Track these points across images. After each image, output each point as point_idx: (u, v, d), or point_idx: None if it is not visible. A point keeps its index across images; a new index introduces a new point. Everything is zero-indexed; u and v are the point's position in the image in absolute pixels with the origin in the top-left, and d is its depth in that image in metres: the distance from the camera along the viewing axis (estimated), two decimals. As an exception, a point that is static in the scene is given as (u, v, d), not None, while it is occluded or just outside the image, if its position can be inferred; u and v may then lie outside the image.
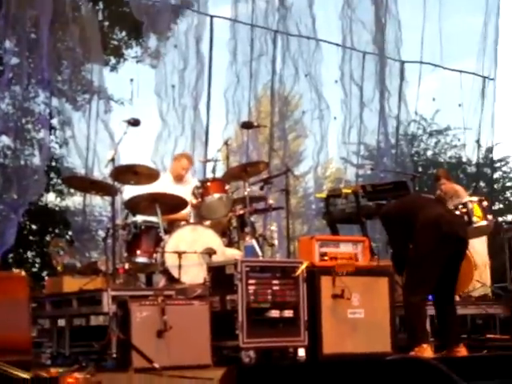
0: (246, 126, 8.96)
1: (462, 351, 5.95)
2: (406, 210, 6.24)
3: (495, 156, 16.98)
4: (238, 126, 11.11)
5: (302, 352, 5.89)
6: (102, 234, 10.46)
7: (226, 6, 12.45)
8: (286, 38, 12.48)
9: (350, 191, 8.21)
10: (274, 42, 12.45)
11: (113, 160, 6.69)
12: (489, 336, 8.09)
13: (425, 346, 5.78)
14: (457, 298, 7.69)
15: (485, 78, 14.14)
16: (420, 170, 16.15)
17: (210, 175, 7.80)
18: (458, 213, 7.87)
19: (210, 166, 8.00)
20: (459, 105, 14.03)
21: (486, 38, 14.03)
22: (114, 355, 5.45)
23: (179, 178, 8.00)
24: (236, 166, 8.29)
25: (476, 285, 8.18)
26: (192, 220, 7.31)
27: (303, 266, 5.93)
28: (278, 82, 12.66)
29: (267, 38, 12.36)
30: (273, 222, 10.16)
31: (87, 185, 7.37)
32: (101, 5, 13.86)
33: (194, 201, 7.27)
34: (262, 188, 7.79)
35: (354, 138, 13.41)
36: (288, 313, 5.79)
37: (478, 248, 8.85)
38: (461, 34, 14.12)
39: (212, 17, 12.02)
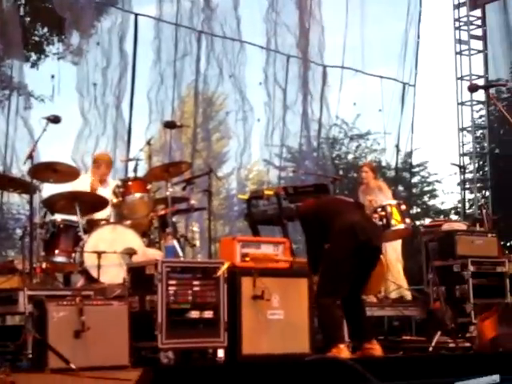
0: (169, 125, 8.91)
1: (375, 347, 6.03)
2: (324, 212, 6.30)
3: (414, 161, 17.35)
4: (161, 125, 11.05)
5: (221, 353, 5.89)
6: (19, 232, 10.24)
7: (151, 4, 12.39)
8: (210, 38, 12.48)
9: (271, 193, 8.24)
10: (199, 43, 12.43)
11: (31, 157, 6.56)
12: (405, 337, 8.25)
13: (341, 346, 5.83)
14: (374, 300, 7.84)
15: (405, 84, 14.42)
16: (341, 173, 16.34)
17: (131, 174, 7.74)
18: (376, 216, 8.02)
19: (131, 165, 7.94)
20: (379, 110, 14.28)
21: (406, 44, 14.32)
22: (30, 355, 5.35)
23: (99, 181, 7.90)
24: (158, 165, 8.24)
25: (392, 286, 8.33)
26: (112, 219, 7.24)
27: (224, 267, 5.93)
28: (202, 83, 12.65)
29: (192, 38, 12.34)
30: (195, 222, 10.13)
31: (5, 182, 7.22)
32: (22, 0, 13.58)
33: (115, 200, 7.19)
34: (184, 188, 7.77)
35: (277, 141, 13.51)
36: (208, 313, 5.78)
37: (393, 250, 9.03)
38: (382, 41, 14.34)
39: (136, 15, 11.93)
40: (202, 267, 5.90)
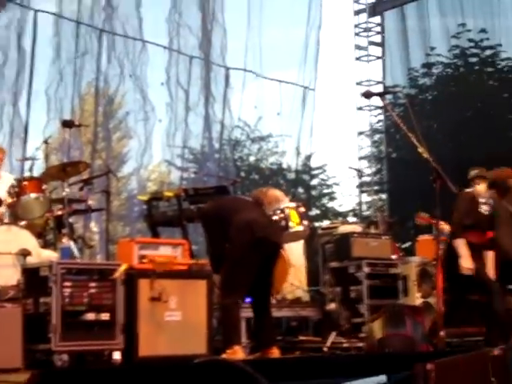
0: (67, 124, 8.74)
1: (275, 353, 6.12)
2: (223, 211, 6.32)
3: (313, 164, 17.63)
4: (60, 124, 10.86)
5: (117, 355, 5.85)
6: None
7: (51, 1, 12.16)
8: (111, 37, 12.35)
9: (172, 194, 8.23)
10: (100, 41, 12.28)
11: None
12: (302, 338, 8.37)
13: (236, 347, 5.85)
14: (272, 301, 7.93)
15: (305, 88, 14.63)
16: (243, 175, 16.45)
17: (27, 174, 7.59)
18: (276, 218, 8.11)
19: (28, 164, 7.79)
20: (278, 113, 14.46)
21: (307, 49, 14.54)
22: None
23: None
24: (55, 165, 8.09)
25: (291, 287, 8.44)
26: (7, 220, 7.08)
27: (121, 269, 5.90)
28: (102, 82, 12.50)
29: (92, 37, 12.18)
30: (95, 223, 10.01)
31: None
32: None
33: (10, 200, 7.04)
34: (81, 188, 7.67)
35: (179, 142, 13.48)
36: (104, 316, 5.75)
37: (295, 251, 9.15)
38: (283, 45, 14.55)
39: (36, 11, 11.68)
40: (99, 269, 5.86)
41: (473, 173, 7.22)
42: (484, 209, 6.99)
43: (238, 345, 5.91)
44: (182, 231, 8.31)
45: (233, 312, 6.00)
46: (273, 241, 6.22)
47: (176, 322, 6.16)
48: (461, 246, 6.86)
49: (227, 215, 6.23)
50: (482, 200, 6.99)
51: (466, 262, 6.83)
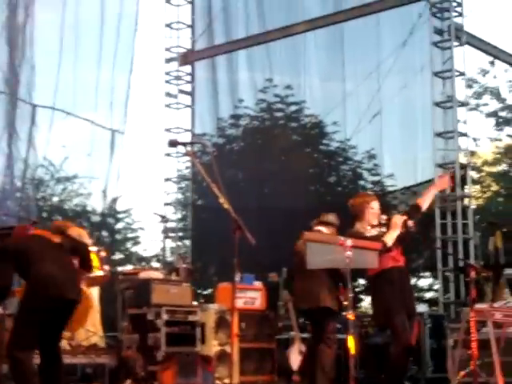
0: None
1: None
2: (24, 253, 6.12)
3: (119, 207, 17.49)
4: None
5: None
6: None
7: None
8: None
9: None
10: None
11: None
12: (95, 385, 8.21)
13: None
14: (67, 348, 7.72)
15: (114, 130, 14.54)
16: (45, 215, 15.99)
17: None
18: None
19: None
20: (88, 154, 14.24)
21: (114, 92, 14.46)
22: None
23: None
24: None
25: (86, 333, 8.27)
26: None
27: None
28: None
29: None
30: None
31: None
32: None
33: None
34: None
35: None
36: None
37: (92, 296, 8.99)
38: (94, 86, 14.35)
39: None
40: None
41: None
42: None
43: None
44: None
45: (26, 366, 5.80)
46: (69, 298, 6.09)
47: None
48: None
49: (26, 258, 6.06)
50: None
51: None
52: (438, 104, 13.07)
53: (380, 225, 7.17)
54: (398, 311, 6.81)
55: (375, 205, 7.23)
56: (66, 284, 6.08)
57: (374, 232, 7.06)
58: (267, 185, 15.99)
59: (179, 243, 16.81)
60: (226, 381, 7.28)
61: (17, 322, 5.92)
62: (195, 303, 9.30)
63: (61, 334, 6.24)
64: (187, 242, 17.10)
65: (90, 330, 8.27)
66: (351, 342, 6.01)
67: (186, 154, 14.97)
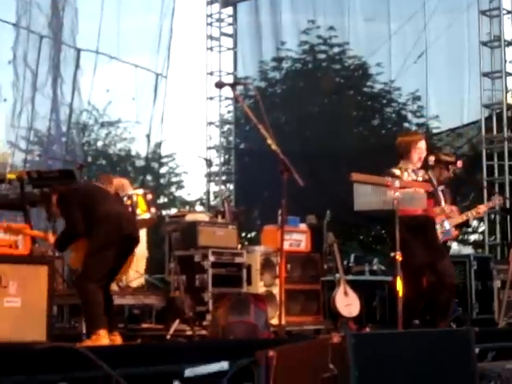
0: None
1: (116, 338, 6.12)
2: (87, 197, 6.32)
3: (163, 152, 17.57)
4: None
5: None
6: None
7: None
8: (-45, 12, 11.78)
9: (14, 176, 8.00)
10: None
11: None
12: (144, 326, 8.35)
13: (100, 331, 5.89)
14: (115, 288, 7.85)
15: (158, 74, 14.54)
16: (90, 159, 16.16)
17: None
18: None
19: None
20: (133, 98, 14.28)
21: (160, 36, 14.44)
22: None
23: None
24: None
25: (134, 275, 8.40)
26: None
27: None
28: None
29: None
30: None
31: None
32: None
33: None
34: None
35: (25, 123, 13.05)
36: None
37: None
38: (137, 30, 14.33)
39: None
40: None
41: None
42: None
43: (102, 328, 5.93)
44: (24, 215, 8.08)
45: (95, 298, 6.00)
46: (134, 236, 6.35)
47: (15, 308, 5.98)
48: None
49: (93, 202, 6.26)
50: None
51: None
52: (485, 43, 12.82)
53: (423, 168, 7.11)
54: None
55: (422, 144, 7.15)
56: (133, 223, 6.44)
57: (413, 177, 6.99)
58: (310, 128, 15.90)
59: (222, 187, 16.87)
60: (273, 321, 7.33)
61: (88, 257, 6.09)
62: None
63: (118, 272, 6.41)
64: (230, 186, 17.17)
65: (137, 271, 8.38)
66: (399, 284, 6.02)
67: (232, 97, 14.93)
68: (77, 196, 6.37)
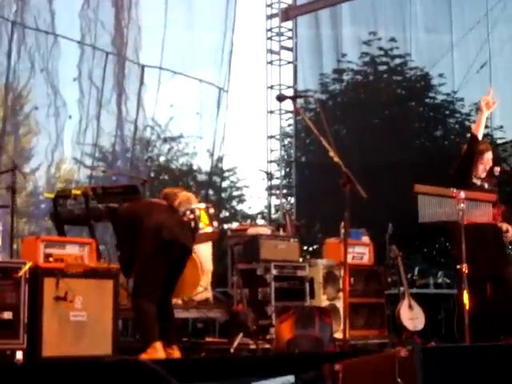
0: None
1: (175, 352, 6.12)
2: (134, 214, 6.34)
3: (224, 166, 17.64)
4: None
5: (19, 355, 5.73)
6: None
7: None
8: (22, 30, 12.06)
9: (79, 192, 8.11)
10: (11, 34, 11.97)
11: None
12: (208, 339, 8.37)
13: (156, 344, 5.90)
14: (179, 302, 7.90)
15: (220, 88, 14.64)
16: (152, 175, 16.31)
17: None
18: (186, 219, 8.09)
19: None
20: (197, 113, 14.40)
21: (223, 50, 14.56)
22: None
23: None
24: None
25: (199, 289, 8.43)
26: None
27: (26, 267, 5.78)
28: (12, 75, 12.19)
29: (2, 30, 11.86)
30: (-2, 220, 9.70)
31: None
32: None
33: None
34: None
35: (90, 139, 13.26)
36: (7, 315, 5.64)
37: (204, 253, 9.14)
38: (198, 45, 14.49)
39: None
40: (2, 267, 5.73)
41: None
42: None
43: (157, 341, 5.92)
44: (90, 230, 8.20)
45: (147, 311, 5.99)
46: (181, 242, 6.25)
47: (81, 322, 6.07)
48: None
49: (138, 218, 6.26)
50: None
51: None
52: (549, 52, 12.57)
53: (488, 178, 6.98)
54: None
55: (489, 155, 7.02)
56: (178, 230, 6.31)
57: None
58: (371, 140, 15.79)
59: (283, 200, 16.86)
60: (337, 335, 7.28)
61: (137, 272, 6.13)
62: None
63: (174, 285, 6.39)
64: (291, 199, 17.13)
65: (201, 285, 8.42)
66: (466, 298, 5.91)
67: (292, 110, 14.92)
68: (125, 215, 6.42)
